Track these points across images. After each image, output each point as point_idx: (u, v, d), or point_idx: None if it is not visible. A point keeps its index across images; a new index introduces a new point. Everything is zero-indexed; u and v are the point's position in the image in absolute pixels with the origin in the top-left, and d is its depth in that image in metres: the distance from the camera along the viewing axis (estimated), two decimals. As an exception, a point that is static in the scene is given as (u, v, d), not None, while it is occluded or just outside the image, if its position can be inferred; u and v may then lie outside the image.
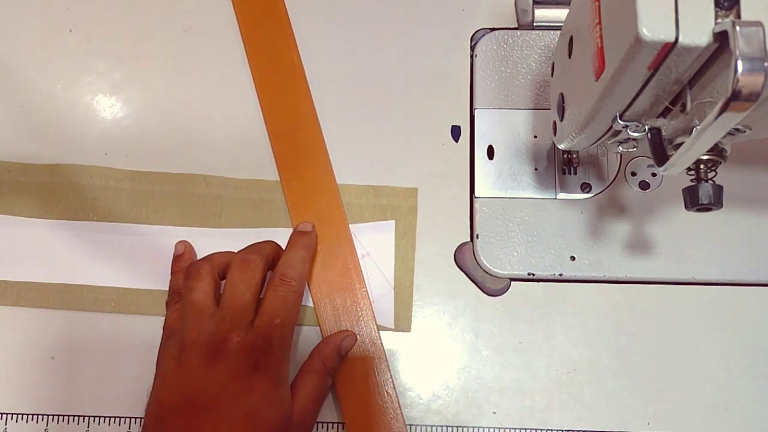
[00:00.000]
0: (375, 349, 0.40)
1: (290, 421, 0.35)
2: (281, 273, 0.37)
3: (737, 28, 0.22)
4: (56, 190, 0.43)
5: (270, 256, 0.38)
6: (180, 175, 0.43)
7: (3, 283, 0.42)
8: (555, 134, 0.37)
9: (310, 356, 0.39)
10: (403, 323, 0.41)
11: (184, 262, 0.40)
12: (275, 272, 0.38)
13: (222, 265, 0.38)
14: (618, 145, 0.32)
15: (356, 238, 0.42)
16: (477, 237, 0.41)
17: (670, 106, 0.27)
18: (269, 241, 0.40)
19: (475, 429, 0.39)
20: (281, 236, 0.41)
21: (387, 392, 0.39)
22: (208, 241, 0.42)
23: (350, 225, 0.42)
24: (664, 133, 0.29)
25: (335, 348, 0.39)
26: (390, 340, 0.41)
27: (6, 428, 0.40)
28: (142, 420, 0.35)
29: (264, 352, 0.35)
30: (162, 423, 0.34)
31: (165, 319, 0.39)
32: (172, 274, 0.41)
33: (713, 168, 0.30)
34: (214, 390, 0.34)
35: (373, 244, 0.42)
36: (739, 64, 0.21)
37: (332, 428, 0.40)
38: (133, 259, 0.42)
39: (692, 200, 0.30)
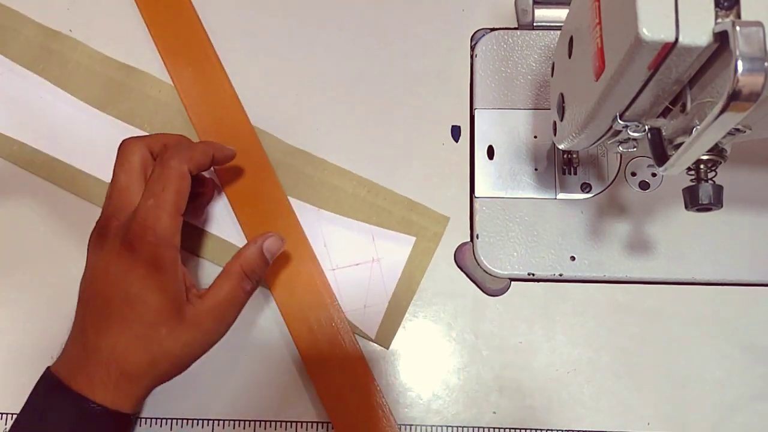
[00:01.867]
0: (358, 363, 0.40)
1: (180, 314, 0.34)
2: (161, 153, 0.36)
3: (737, 28, 0.22)
4: (124, 91, 0.45)
5: (156, 141, 0.37)
6: (238, 118, 0.44)
7: (45, 156, 0.44)
8: (555, 134, 0.37)
9: (230, 259, 0.36)
10: (383, 338, 0.41)
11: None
12: (160, 155, 0.36)
13: (157, 144, 0.37)
14: (618, 145, 0.32)
15: (373, 240, 0.42)
16: (477, 237, 0.41)
17: (670, 106, 0.27)
18: (177, 135, 0.38)
19: (475, 429, 0.39)
20: (308, 210, 0.43)
21: (376, 401, 0.39)
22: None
23: (373, 227, 0.42)
24: (664, 133, 0.29)
25: (256, 250, 0.36)
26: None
27: (6, 428, 0.40)
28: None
29: (137, 235, 0.33)
30: (78, 303, 0.36)
31: None
32: None
33: (713, 168, 0.30)
34: (99, 275, 0.34)
35: (386, 253, 0.42)
36: (739, 64, 0.21)
37: (322, 428, 0.40)
38: None
39: (692, 200, 0.30)
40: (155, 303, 0.33)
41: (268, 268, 0.37)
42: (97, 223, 0.36)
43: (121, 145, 0.37)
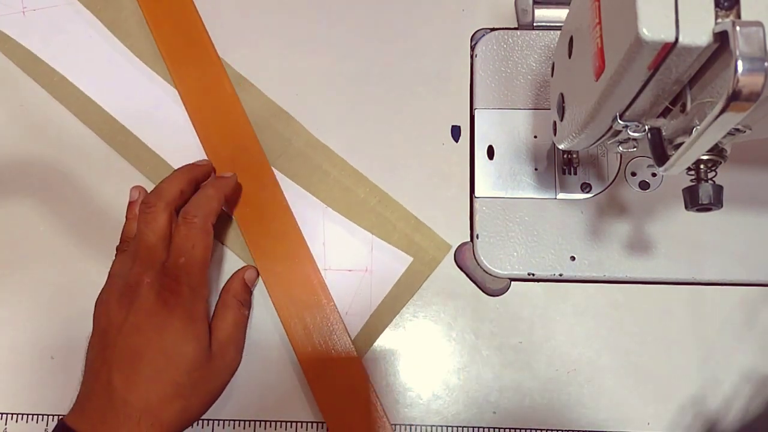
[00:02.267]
0: (352, 363, 0.40)
1: (209, 355, 0.37)
2: (184, 212, 0.38)
3: (737, 28, 0.22)
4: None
5: (172, 195, 0.39)
6: (272, 102, 0.44)
7: (81, 94, 0.45)
8: (555, 134, 0.37)
9: (220, 294, 0.40)
10: (358, 347, 0.41)
11: (136, 210, 0.41)
12: (180, 212, 0.38)
13: (175, 198, 0.39)
14: (618, 145, 0.32)
15: (371, 250, 0.42)
16: (477, 237, 0.41)
17: (670, 106, 0.27)
18: (176, 174, 0.40)
19: (475, 429, 0.39)
20: (316, 206, 0.42)
21: (371, 402, 0.39)
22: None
23: (375, 237, 0.42)
24: (664, 133, 0.29)
25: (240, 281, 0.40)
26: (390, 341, 0.41)
27: (6, 428, 0.40)
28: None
29: (173, 291, 0.36)
30: (92, 364, 0.36)
31: (112, 264, 0.39)
32: (126, 220, 0.42)
33: (713, 168, 0.30)
34: (130, 330, 0.35)
35: (380, 266, 0.42)
36: (739, 64, 0.21)
37: (321, 428, 0.40)
38: (187, 142, 0.44)
39: (692, 200, 0.30)
40: (192, 352, 0.36)
41: (251, 294, 0.41)
42: (113, 276, 0.38)
43: (143, 202, 0.38)
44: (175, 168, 0.42)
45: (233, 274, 0.41)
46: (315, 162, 0.43)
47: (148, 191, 0.41)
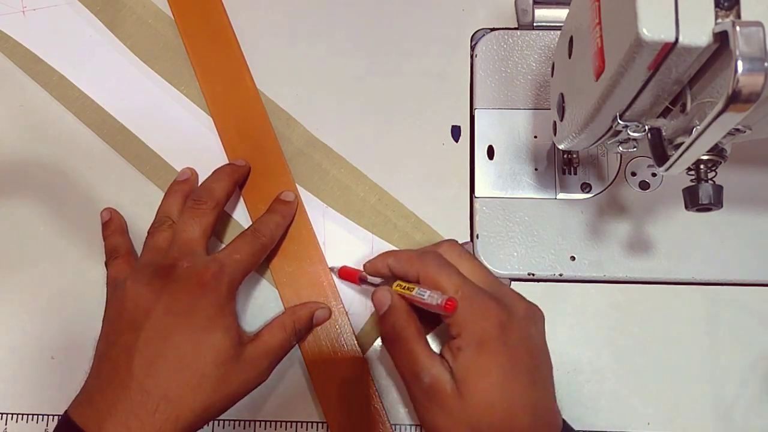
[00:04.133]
0: (358, 364, 0.40)
1: (239, 354, 0.35)
2: (255, 227, 0.39)
3: (737, 28, 0.22)
4: (170, 49, 0.45)
5: (221, 198, 0.39)
6: (272, 101, 0.44)
7: (80, 93, 0.45)
8: (555, 134, 0.37)
9: (283, 313, 0.39)
10: (360, 345, 0.41)
11: (113, 226, 0.42)
12: (251, 226, 0.39)
13: (224, 200, 0.40)
14: (618, 145, 0.32)
15: (372, 249, 0.42)
16: (477, 237, 0.41)
17: (670, 106, 0.27)
18: (223, 175, 0.41)
19: (475, 429, 0.39)
20: (316, 205, 0.43)
21: (374, 406, 0.39)
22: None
23: (375, 236, 0.42)
24: (664, 133, 0.29)
25: (309, 312, 0.39)
26: (390, 340, 0.41)
27: (6, 428, 0.40)
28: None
29: (213, 278, 0.35)
30: (107, 352, 0.34)
31: (107, 277, 0.39)
32: (105, 238, 0.41)
33: (713, 168, 0.30)
34: (161, 311, 0.34)
35: None
36: (739, 64, 0.21)
37: (321, 428, 0.40)
38: (187, 142, 0.44)
39: (692, 200, 0.30)
40: (220, 343, 0.34)
41: (310, 331, 0.40)
42: (144, 262, 0.37)
43: (193, 198, 0.39)
44: (178, 168, 0.43)
45: (306, 303, 0.40)
46: (315, 161, 0.43)
47: (136, 200, 0.42)
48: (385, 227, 0.42)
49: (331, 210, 0.43)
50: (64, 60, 0.45)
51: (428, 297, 0.34)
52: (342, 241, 0.42)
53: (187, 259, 0.36)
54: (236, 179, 0.41)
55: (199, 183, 0.42)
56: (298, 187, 0.43)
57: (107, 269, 0.40)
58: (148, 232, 0.39)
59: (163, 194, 0.41)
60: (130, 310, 0.35)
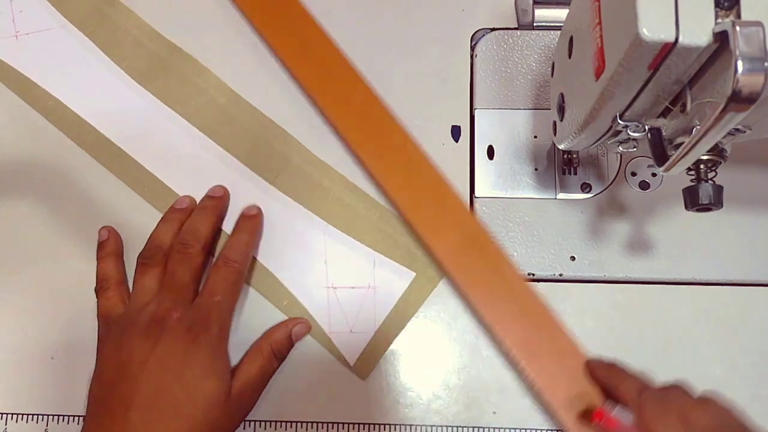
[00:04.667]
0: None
1: (228, 396, 0.36)
2: (224, 255, 0.39)
3: (737, 28, 0.22)
4: (164, 68, 0.45)
5: (207, 237, 0.40)
6: (268, 119, 0.44)
7: (75, 116, 0.44)
8: (555, 134, 0.37)
9: (260, 338, 0.40)
10: (361, 368, 0.40)
11: (109, 248, 0.41)
12: (220, 254, 0.39)
13: (209, 239, 0.40)
14: (618, 145, 0.32)
15: (374, 267, 0.42)
16: (477, 237, 0.41)
17: (670, 106, 0.27)
18: (206, 213, 0.41)
19: (475, 429, 0.39)
20: (317, 224, 0.42)
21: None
22: (255, 191, 0.43)
23: (377, 253, 0.42)
24: (664, 133, 0.29)
25: (286, 333, 0.40)
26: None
27: (6, 428, 0.40)
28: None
29: (203, 327, 0.36)
30: (104, 401, 0.35)
31: (98, 308, 0.40)
32: (98, 260, 0.41)
33: (713, 168, 0.30)
34: (154, 365, 0.35)
35: (384, 282, 0.41)
36: (739, 64, 0.21)
37: (322, 428, 0.40)
38: (183, 162, 0.43)
39: (692, 200, 0.30)
40: (214, 390, 0.36)
41: (291, 348, 0.40)
42: (136, 308, 0.37)
43: (179, 242, 0.39)
44: (180, 193, 0.43)
45: (281, 323, 0.40)
46: (314, 179, 0.43)
47: (136, 199, 0.42)
48: (386, 244, 0.42)
49: (331, 228, 0.42)
50: (58, 84, 0.45)
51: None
52: (344, 259, 0.42)
53: (177, 310, 0.37)
54: (219, 213, 0.41)
55: None
56: (299, 206, 0.42)
57: (98, 299, 0.40)
58: (138, 261, 0.40)
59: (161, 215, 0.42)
60: (125, 362, 0.36)
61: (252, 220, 0.41)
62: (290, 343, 0.40)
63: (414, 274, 0.41)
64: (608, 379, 0.37)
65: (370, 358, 0.40)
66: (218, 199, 0.42)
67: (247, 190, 0.43)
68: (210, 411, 0.35)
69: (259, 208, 0.42)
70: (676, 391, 0.34)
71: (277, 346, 0.39)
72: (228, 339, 0.38)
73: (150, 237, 0.41)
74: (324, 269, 0.42)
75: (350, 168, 0.43)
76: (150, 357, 0.35)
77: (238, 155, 0.43)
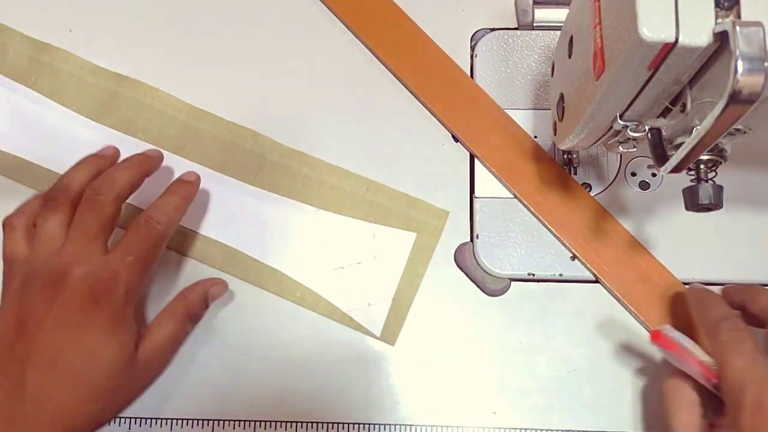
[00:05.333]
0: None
1: (133, 362, 0.35)
2: (148, 214, 0.36)
3: (737, 28, 0.22)
4: (117, 100, 0.44)
5: (125, 187, 0.37)
6: (233, 124, 0.44)
7: (43, 170, 0.43)
8: (555, 134, 0.37)
9: (173, 299, 0.38)
10: (388, 336, 0.41)
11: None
12: (143, 213, 0.37)
13: (126, 191, 0.37)
14: (618, 145, 0.32)
15: (374, 238, 0.42)
16: (477, 237, 0.41)
17: (670, 106, 0.27)
18: (132, 164, 0.38)
19: (475, 429, 0.39)
20: (308, 211, 0.42)
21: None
22: (240, 195, 0.43)
23: (374, 224, 0.42)
24: (664, 133, 0.29)
25: (202, 294, 0.38)
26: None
27: None
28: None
29: (107, 288, 0.34)
30: (5, 350, 0.33)
31: (3, 246, 0.37)
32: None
33: (713, 168, 0.30)
34: (51, 324, 0.33)
35: (387, 250, 0.42)
36: (739, 64, 0.21)
37: (321, 428, 0.40)
38: (161, 186, 0.41)
39: (692, 200, 0.30)
40: (114, 357, 0.34)
41: (206, 309, 0.39)
42: (38, 259, 0.34)
43: (91, 187, 0.36)
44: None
45: (197, 283, 0.39)
46: (293, 169, 0.43)
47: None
48: (379, 214, 0.42)
49: (323, 212, 0.42)
50: (14, 141, 0.44)
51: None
52: (343, 239, 0.42)
53: (81, 265, 0.34)
54: (145, 170, 0.38)
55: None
56: (285, 198, 0.42)
57: (5, 232, 0.37)
58: (43, 200, 0.36)
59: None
60: (23, 317, 0.34)
61: (186, 185, 0.39)
62: (206, 305, 0.39)
63: (414, 234, 0.42)
64: (696, 303, 0.36)
65: (394, 325, 0.41)
66: (147, 157, 0.39)
67: (231, 196, 0.43)
68: (110, 378, 0.34)
69: (198, 176, 0.40)
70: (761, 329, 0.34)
71: (193, 308, 0.38)
72: (133, 305, 0.35)
73: (59, 178, 0.37)
74: (327, 253, 0.42)
75: (326, 150, 0.43)
76: (47, 315, 0.33)
77: (212, 166, 0.43)
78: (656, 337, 0.34)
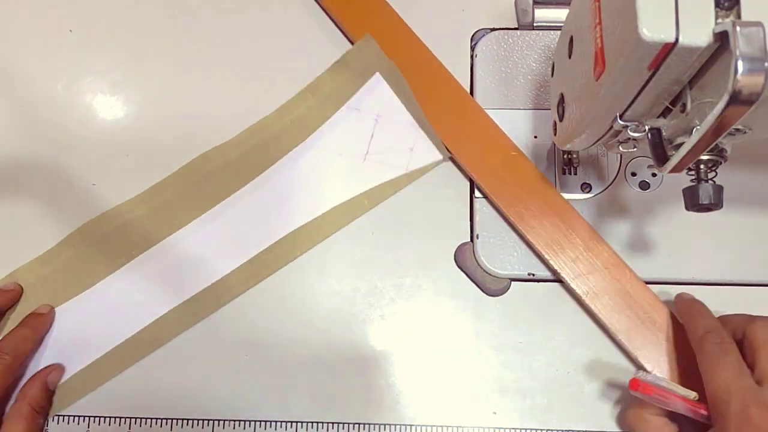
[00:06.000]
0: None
1: None
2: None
3: (737, 28, 0.22)
4: (107, 242, 0.42)
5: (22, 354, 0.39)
6: (181, 169, 0.43)
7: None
8: (555, 134, 0.37)
9: (15, 400, 0.38)
10: (443, 150, 0.42)
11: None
12: None
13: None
14: (618, 145, 0.32)
15: (358, 113, 0.42)
16: (477, 237, 0.41)
17: (670, 106, 0.27)
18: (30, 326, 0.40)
19: (475, 429, 0.39)
20: (292, 159, 0.43)
21: None
22: (232, 212, 0.43)
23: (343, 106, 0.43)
24: (664, 133, 0.29)
25: (41, 386, 0.39)
26: (390, 341, 0.41)
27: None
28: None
29: None
30: None
31: None
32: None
33: (713, 168, 0.30)
34: None
35: (376, 105, 0.42)
36: (740, 64, 0.21)
37: (321, 428, 0.40)
38: (168, 279, 0.42)
39: (692, 200, 0.30)
40: None
41: (51, 398, 0.39)
42: None
43: None
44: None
45: (33, 377, 0.39)
46: (258, 143, 0.43)
47: None
48: (369, 69, 0.43)
49: (301, 146, 0.43)
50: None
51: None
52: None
53: None
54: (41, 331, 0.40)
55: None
56: (249, 185, 0.43)
57: None
58: None
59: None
60: None
61: (40, 319, 0.40)
62: (49, 394, 0.39)
63: (377, 73, 0.43)
64: (684, 313, 0.37)
65: (437, 140, 0.42)
66: (32, 315, 0.40)
67: (230, 216, 0.42)
68: None
69: (51, 308, 0.41)
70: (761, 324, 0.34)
71: (37, 403, 0.38)
72: None
73: None
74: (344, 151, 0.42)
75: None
76: None
77: (202, 210, 0.42)
78: (635, 386, 0.34)
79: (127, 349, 0.41)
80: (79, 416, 0.40)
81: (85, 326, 0.41)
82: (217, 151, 0.43)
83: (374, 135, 0.42)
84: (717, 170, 0.30)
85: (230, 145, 0.43)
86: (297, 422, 0.40)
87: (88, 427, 0.40)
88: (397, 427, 0.40)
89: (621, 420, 0.39)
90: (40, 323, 0.40)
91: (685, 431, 0.35)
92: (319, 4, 0.46)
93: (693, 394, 0.34)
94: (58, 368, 0.40)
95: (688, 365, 0.37)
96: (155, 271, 0.42)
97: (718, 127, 0.24)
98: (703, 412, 0.33)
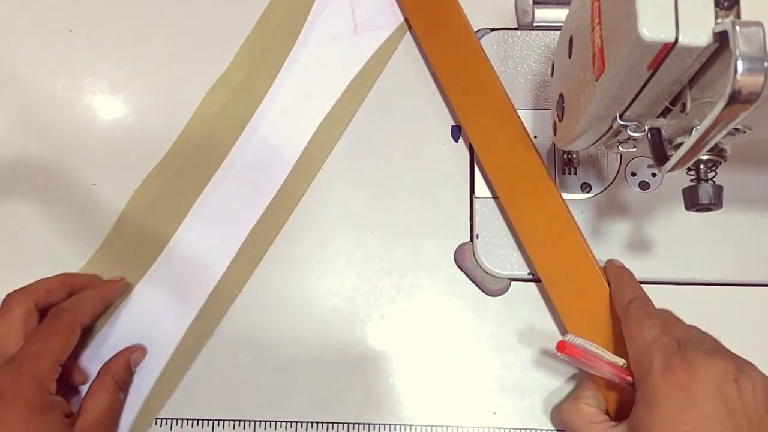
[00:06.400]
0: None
1: None
2: (57, 306, 0.37)
3: (737, 28, 0.22)
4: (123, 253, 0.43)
5: (37, 293, 0.37)
6: (162, 160, 0.44)
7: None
8: (555, 134, 0.37)
9: (98, 374, 0.38)
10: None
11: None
12: (54, 308, 0.37)
13: (38, 294, 0.37)
14: (618, 145, 0.32)
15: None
16: (477, 237, 0.41)
17: (670, 106, 0.27)
18: (50, 277, 0.39)
19: (475, 429, 0.39)
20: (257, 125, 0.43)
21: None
22: (222, 188, 0.43)
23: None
24: (664, 133, 0.29)
25: (125, 363, 0.39)
26: (390, 341, 0.41)
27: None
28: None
29: (12, 380, 0.33)
30: None
31: None
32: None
33: (713, 168, 0.30)
34: None
35: (360, 16, 0.43)
36: (739, 64, 0.21)
37: (321, 428, 0.40)
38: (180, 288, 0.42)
39: (692, 200, 0.30)
40: None
41: (132, 376, 0.40)
42: None
43: (5, 298, 0.37)
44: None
45: (118, 354, 0.39)
46: (201, 134, 0.44)
47: None
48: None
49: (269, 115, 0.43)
50: None
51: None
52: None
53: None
54: (66, 282, 0.39)
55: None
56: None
57: None
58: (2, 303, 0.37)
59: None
60: None
61: (108, 284, 0.40)
62: (131, 373, 0.40)
63: None
64: (613, 281, 0.38)
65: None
66: (74, 274, 0.40)
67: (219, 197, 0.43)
68: None
69: (123, 279, 0.41)
70: (665, 311, 0.36)
71: (120, 377, 0.38)
72: (51, 393, 0.34)
73: (34, 283, 0.39)
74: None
75: (352, 152, 0.44)
76: None
77: (198, 189, 0.43)
78: (561, 347, 0.35)
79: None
80: (79, 416, 0.40)
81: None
82: (189, 129, 0.44)
83: (354, 7, 0.41)
84: (717, 170, 0.30)
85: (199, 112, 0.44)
86: (297, 422, 0.40)
87: (88, 427, 0.40)
88: (397, 427, 0.40)
89: (556, 419, 0.39)
90: (106, 287, 0.40)
91: (618, 419, 0.35)
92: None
93: (622, 361, 0.34)
94: (141, 349, 0.40)
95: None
96: (169, 279, 0.42)
97: (718, 127, 0.24)
98: (629, 378, 0.34)
